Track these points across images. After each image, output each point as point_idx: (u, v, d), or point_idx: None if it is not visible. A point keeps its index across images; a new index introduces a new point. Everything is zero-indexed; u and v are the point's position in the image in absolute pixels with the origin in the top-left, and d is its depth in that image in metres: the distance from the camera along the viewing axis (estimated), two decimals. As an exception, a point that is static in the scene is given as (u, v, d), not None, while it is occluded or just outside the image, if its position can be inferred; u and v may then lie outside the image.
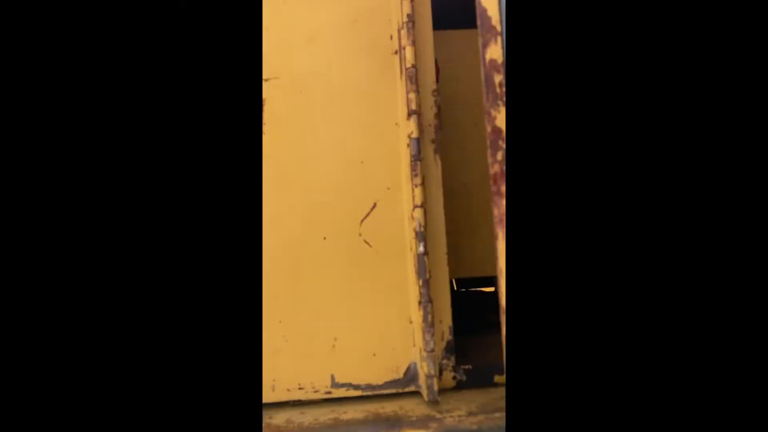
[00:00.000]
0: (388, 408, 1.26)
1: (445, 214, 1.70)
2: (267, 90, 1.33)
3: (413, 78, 1.27)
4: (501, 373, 1.36)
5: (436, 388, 1.24)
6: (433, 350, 1.24)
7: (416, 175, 1.27)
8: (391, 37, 1.35)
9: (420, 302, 1.25)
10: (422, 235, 1.26)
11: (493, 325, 1.94)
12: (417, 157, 1.27)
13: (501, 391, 1.32)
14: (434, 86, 1.38)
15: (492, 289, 2.21)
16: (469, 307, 2.10)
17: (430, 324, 1.24)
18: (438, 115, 1.38)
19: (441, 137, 1.51)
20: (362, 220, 1.32)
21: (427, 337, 1.24)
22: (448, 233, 1.50)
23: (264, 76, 1.33)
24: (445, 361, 1.34)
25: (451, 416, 1.20)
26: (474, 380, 1.35)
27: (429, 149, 1.36)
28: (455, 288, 2.38)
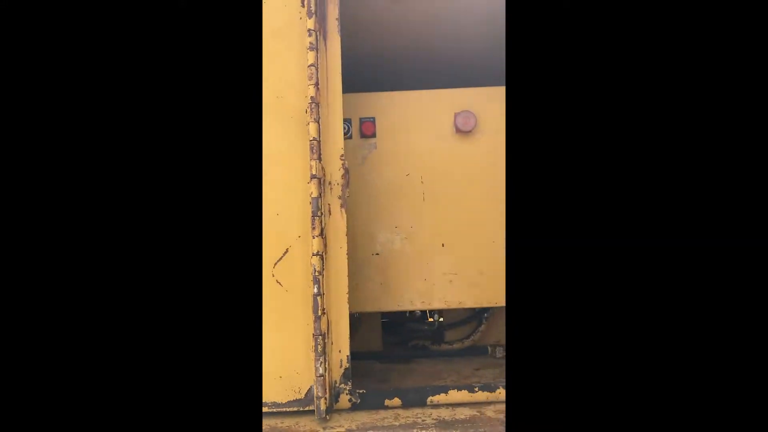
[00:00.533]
0: (286, 423, 1.50)
1: (376, 253, 1.94)
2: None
3: (315, 149, 1.53)
4: (391, 398, 1.57)
5: (323, 407, 1.47)
6: (322, 376, 1.48)
7: (314, 228, 1.52)
8: (306, 110, 1.62)
9: (313, 335, 1.50)
10: (317, 279, 1.51)
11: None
12: (315, 213, 1.53)
13: (388, 413, 1.53)
14: (341, 152, 1.63)
15: (432, 319, 2.41)
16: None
17: (320, 353, 1.48)
18: (345, 176, 1.62)
19: (380, 184, 1.95)
20: (275, 263, 1.59)
21: (317, 365, 1.48)
22: (379, 272, 1.79)
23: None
24: (342, 386, 1.57)
25: (332, 431, 1.43)
26: (367, 403, 1.57)
27: (336, 204, 1.61)
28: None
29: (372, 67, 2.24)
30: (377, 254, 1.97)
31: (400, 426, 1.42)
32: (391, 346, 2.32)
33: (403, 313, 2.53)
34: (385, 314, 2.37)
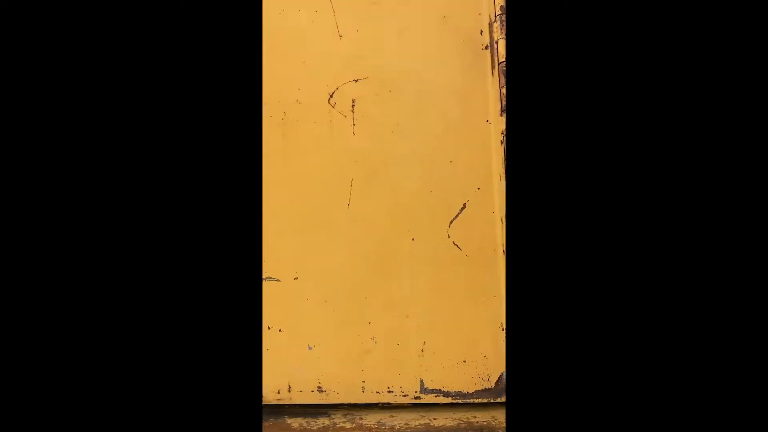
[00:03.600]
0: (480, 418, 1.21)
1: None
2: (356, 90, 1.33)
3: (504, 74, 1.21)
4: (602, 388, 1.27)
5: (531, 399, 1.17)
6: (527, 359, 1.18)
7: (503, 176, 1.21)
8: (482, 32, 1.30)
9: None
10: (516, 238, 1.19)
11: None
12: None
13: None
14: (528, 80, 1.30)
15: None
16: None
17: (524, 331, 1.18)
18: (532, 111, 1.30)
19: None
20: (451, 222, 1.28)
21: (522, 346, 1.18)
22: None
23: (354, 77, 1.33)
24: (540, 372, 1.26)
25: (547, 431, 1.13)
26: (572, 393, 1.26)
27: (522, 147, 1.29)
28: None
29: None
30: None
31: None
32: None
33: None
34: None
